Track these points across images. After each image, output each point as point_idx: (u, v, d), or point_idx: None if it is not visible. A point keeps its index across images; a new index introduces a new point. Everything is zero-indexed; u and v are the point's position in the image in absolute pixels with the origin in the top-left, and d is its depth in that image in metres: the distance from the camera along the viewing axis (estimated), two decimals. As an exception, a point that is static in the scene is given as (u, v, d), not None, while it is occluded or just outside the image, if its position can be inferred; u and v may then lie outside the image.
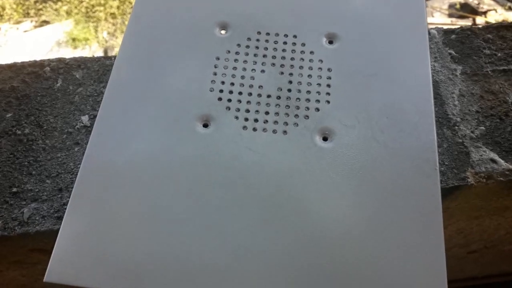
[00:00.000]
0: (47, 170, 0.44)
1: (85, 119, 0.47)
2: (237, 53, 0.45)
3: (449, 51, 0.55)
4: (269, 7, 0.49)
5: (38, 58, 0.53)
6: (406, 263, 0.35)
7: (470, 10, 3.40)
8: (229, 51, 0.46)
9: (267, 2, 0.49)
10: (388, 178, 0.38)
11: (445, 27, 0.58)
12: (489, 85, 0.52)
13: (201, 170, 0.39)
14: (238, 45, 0.46)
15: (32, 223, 0.41)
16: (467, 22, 3.25)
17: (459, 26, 0.58)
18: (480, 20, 3.27)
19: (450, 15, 3.44)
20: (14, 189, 0.43)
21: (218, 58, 0.45)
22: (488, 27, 0.57)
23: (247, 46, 0.46)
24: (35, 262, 0.34)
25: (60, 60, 0.52)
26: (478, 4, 3.42)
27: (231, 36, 0.47)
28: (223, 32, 0.47)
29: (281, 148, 0.40)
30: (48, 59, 0.52)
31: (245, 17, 0.48)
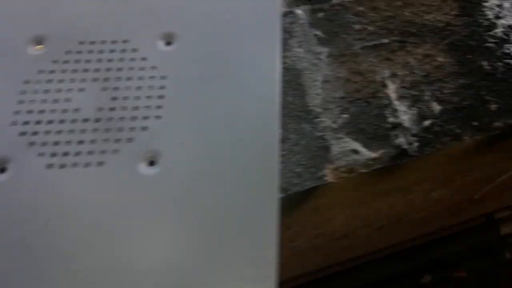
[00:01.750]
0: None
1: None
2: (52, 71, 0.38)
3: (315, 32, 0.49)
4: (95, 12, 0.42)
5: None
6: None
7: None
8: (42, 71, 0.38)
9: (93, 7, 0.42)
10: (219, 203, 0.33)
11: (312, 6, 0.52)
12: (357, 65, 0.47)
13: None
14: (55, 61, 0.39)
15: None
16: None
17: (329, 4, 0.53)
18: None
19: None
20: None
21: (27, 82, 0.38)
22: (360, -2, 0.51)
23: (66, 61, 0.39)
24: None
25: None
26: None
27: (47, 52, 0.40)
28: (39, 47, 0.40)
29: (96, 184, 0.33)
30: None
31: (65, 26, 0.41)
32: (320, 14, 0.51)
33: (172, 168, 0.34)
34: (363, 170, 0.40)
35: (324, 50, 0.48)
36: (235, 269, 0.31)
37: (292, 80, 0.45)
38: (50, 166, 0.34)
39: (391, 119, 0.43)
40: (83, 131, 0.35)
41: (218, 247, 0.31)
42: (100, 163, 0.34)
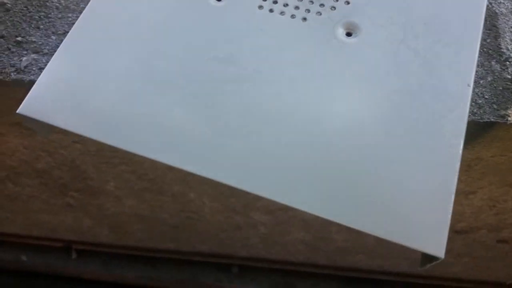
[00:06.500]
0: (55, 27, 0.42)
1: (104, -15, 0.45)
2: None
3: (520, -17, 0.47)
4: None
5: None
6: (411, 177, 0.31)
7: None
8: None
9: None
10: (412, 87, 0.33)
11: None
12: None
13: (202, 41, 0.35)
14: None
15: (28, 72, 0.40)
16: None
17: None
18: None
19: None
20: (19, 38, 0.42)
21: None
22: None
23: None
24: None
25: None
26: None
27: None
28: None
29: (297, 35, 0.35)
30: None
31: None
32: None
33: (367, 43, 0.35)
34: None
35: (526, 2, 0.46)
36: (419, 154, 0.31)
37: (488, 20, 0.44)
38: (260, 7, 0.36)
39: None
40: (293, -12, 0.37)
41: (404, 131, 0.32)
42: (304, 19, 0.36)
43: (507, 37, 0.44)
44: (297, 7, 0.36)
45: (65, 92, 0.33)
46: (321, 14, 0.36)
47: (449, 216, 0.29)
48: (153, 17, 0.36)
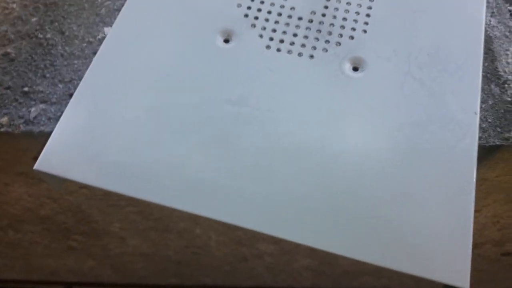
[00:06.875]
0: (61, 75, 0.43)
1: (107, 30, 0.45)
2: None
3: (509, 8, 0.49)
4: None
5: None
6: (429, 211, 0.31)
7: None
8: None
9: None
10: (421, 118, 0.34)
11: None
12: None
13: (214, 84, 0.36)
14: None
15: (38, 123, 0.40)
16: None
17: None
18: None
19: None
20: (26, 89, 0.42)
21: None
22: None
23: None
24: (40, 177, 0.32)
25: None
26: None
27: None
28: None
29: (305, 72, 0.36)
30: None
31: None
32: (516, -7, 0.50)
33: (374, 77, 0.36)
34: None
35: (517, 24, 0.47)
36: (434, 185, 0.32)
37: (484, 45, 0.46)
38: (268, 47, 0.37)
39: None
40: (297, 26, 0.38)
41: (417, 162, 0.32)
42: (311, 56, 0.37)
43: (503, 60, 0.45)
44: (303, 45, 0.37)
45: (80, 145, 0.33)
46: (327, 50, 0.37)
47: (470, 246, 0.30)
48: (163, 62, 0.37)
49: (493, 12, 0.49)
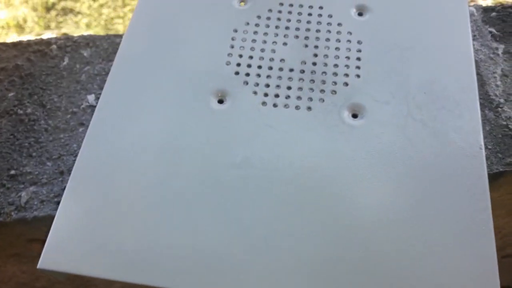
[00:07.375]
0: (48, 152, 0.41)
1: (91, 98, 0.43)
2: (257, 25, 0.41)
3: (489, 29, 0.50)
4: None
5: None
6: (450, 257, 0.30)
7: None
8: (248, 23, 0.41)
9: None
10: (428, 159, 0.33)
11: (483, 4, 0.53)
12: (537, 65, 0.46)
13: (215, 150, 0.34)
14: (258, 16, 0.42)
15: (30, 208, 0.37)
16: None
17: (499, 4, 0.53)
18: None
19: None
20: (12, 172, 0.40)
21: (236, 31, 0.41)
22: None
23: (268, 18, 0.42)
24: (35, 255, 0.30)
25: (67, 38, 0.49)
26: None
27: (251, 7, 0.43)
28: (242, 4, 0.43)
29: (306, 125, 0.35)
30: (55, 37, 0.49)
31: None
32: (493, 14, 0.51)
33: (375, 122, 0.35)
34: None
35: (500, 46, 0.48)
36: (453, 232, 0.31)
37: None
38: (264, 103, 0.36)
39: None
40: (290, 78, 0.38)
41: (432, 206, 0.32)
42: (309, 108, 0.36)
43: (492, 83, 0.45)
44: (299, 97, 0.36)
45: (83, 236, 0.31)
46: (323, 100, 0.36)
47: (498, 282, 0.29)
48: (159, 133, 0.35)
49: (474, 35, 0.49)
